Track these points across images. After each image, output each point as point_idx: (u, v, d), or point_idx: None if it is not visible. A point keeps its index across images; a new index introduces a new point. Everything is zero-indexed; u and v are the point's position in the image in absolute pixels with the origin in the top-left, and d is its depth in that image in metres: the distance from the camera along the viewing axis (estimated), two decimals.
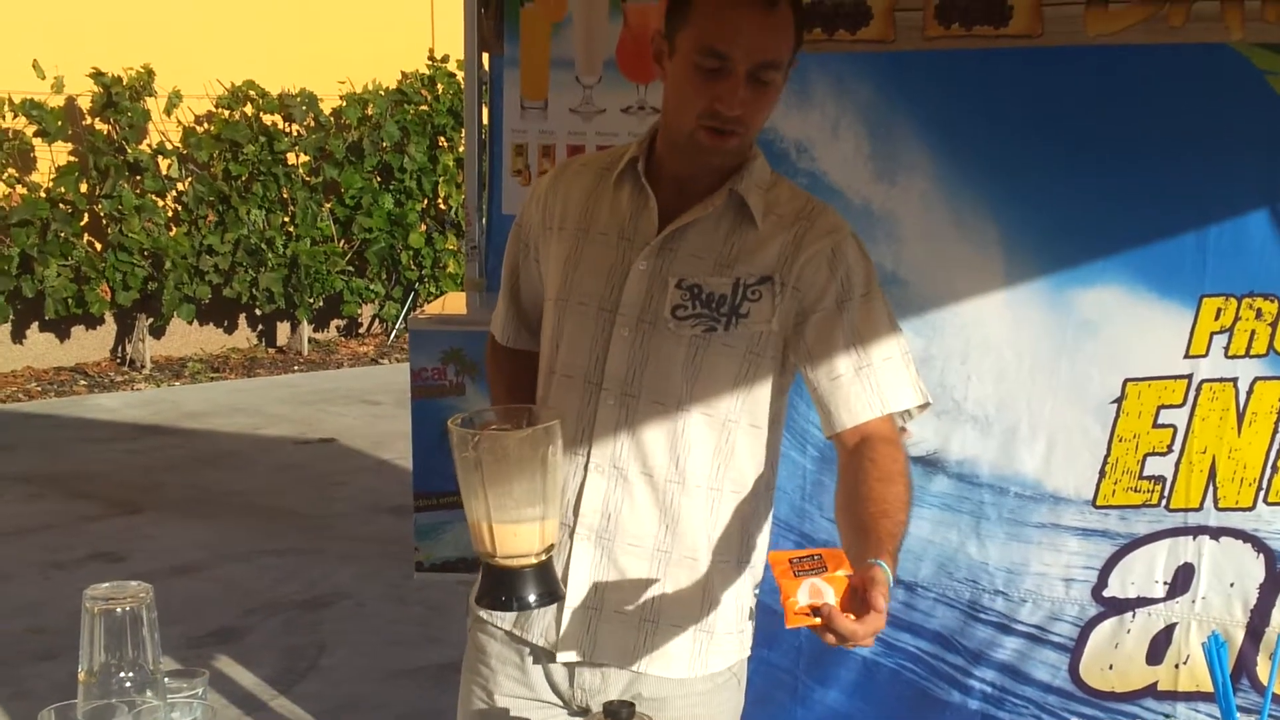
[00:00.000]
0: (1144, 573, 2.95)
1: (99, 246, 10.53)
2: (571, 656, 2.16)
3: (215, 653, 5.12)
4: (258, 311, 11.47)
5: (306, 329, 11.77)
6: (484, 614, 2.24)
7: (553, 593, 1.96)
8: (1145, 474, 2.91)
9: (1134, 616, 2.97)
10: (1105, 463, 2.92)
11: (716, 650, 2.18)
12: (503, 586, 1.93)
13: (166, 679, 1.86)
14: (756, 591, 2.26)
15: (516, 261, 2.31)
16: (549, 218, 2.21)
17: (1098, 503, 2.94)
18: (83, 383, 10.30)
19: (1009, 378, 2.97)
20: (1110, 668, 3.01)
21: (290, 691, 4.82)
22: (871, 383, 2.06)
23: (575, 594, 2.14)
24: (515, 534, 1.90)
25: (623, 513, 2.12)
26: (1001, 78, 2.91)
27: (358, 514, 7.05)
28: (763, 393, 2.13)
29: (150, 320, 10.89)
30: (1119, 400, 2.90)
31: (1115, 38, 2.82)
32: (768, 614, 3.11)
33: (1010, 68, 2.90)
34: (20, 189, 10.13)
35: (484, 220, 3.54)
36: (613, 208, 2.15)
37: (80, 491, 7.39)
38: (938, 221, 2.99)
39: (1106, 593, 2.98)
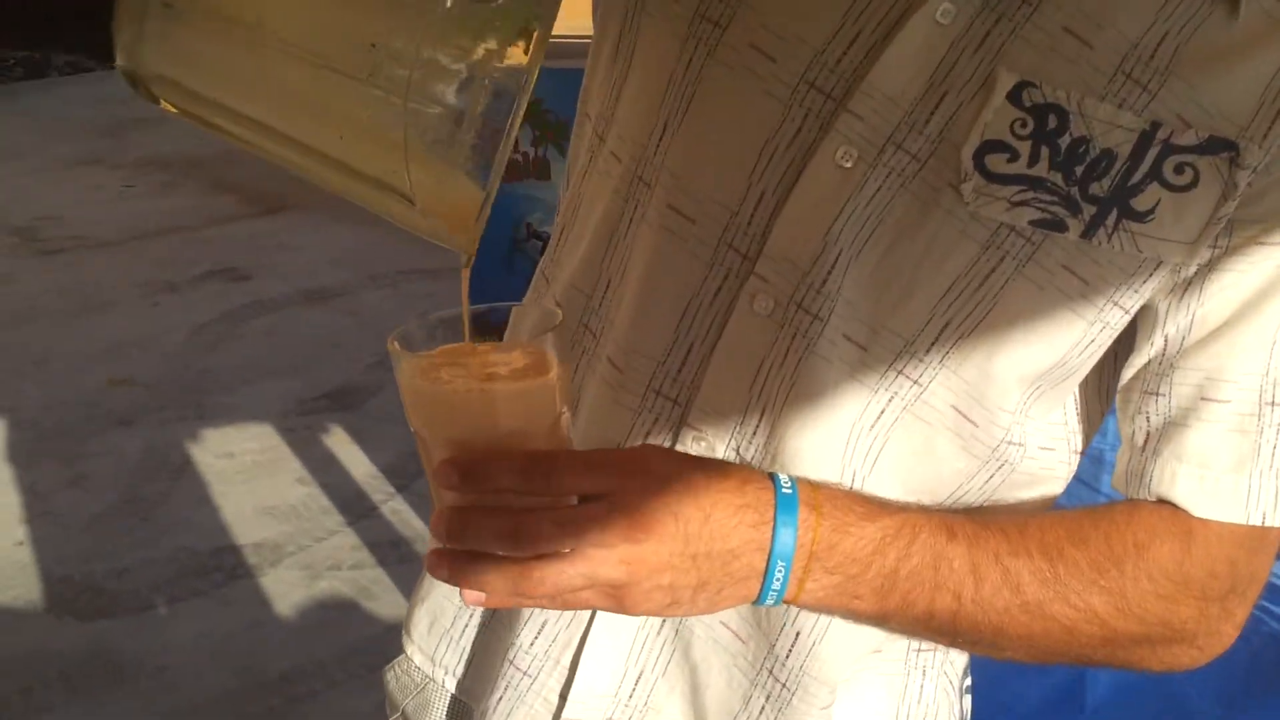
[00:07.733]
0: None
1: None
2: None
3: (326, 422, 4.13)
4: None
5: None
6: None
7: None
8: None
9: None
10: None
11: None
12: None
13: None
14: (967, 685, 1.08)
15: None
16: None
17: None
18: None
19: None
20: None
21: (408, 489, 3.80)
22: (1261, 455, 0.87)
23: (586, 687, 1.00)
24: None
25: None
26: None
27: None
28: (1083, 382, 0.94)
29: None
30: None
31: None
32: None
33: None
34: None
35: None
36: None
37: (221, 182, 6.43)
38: None
39: None
